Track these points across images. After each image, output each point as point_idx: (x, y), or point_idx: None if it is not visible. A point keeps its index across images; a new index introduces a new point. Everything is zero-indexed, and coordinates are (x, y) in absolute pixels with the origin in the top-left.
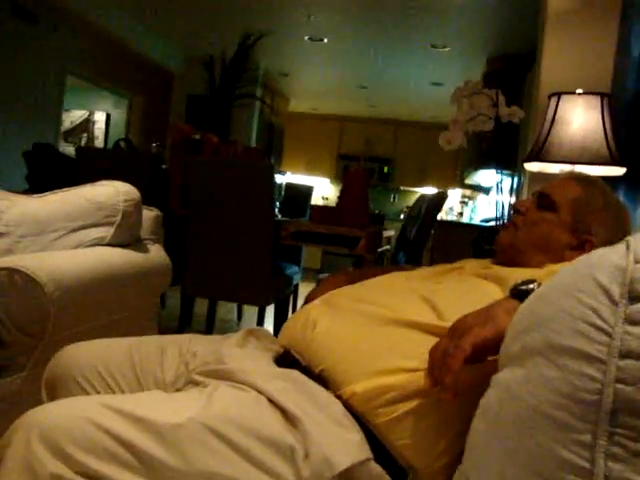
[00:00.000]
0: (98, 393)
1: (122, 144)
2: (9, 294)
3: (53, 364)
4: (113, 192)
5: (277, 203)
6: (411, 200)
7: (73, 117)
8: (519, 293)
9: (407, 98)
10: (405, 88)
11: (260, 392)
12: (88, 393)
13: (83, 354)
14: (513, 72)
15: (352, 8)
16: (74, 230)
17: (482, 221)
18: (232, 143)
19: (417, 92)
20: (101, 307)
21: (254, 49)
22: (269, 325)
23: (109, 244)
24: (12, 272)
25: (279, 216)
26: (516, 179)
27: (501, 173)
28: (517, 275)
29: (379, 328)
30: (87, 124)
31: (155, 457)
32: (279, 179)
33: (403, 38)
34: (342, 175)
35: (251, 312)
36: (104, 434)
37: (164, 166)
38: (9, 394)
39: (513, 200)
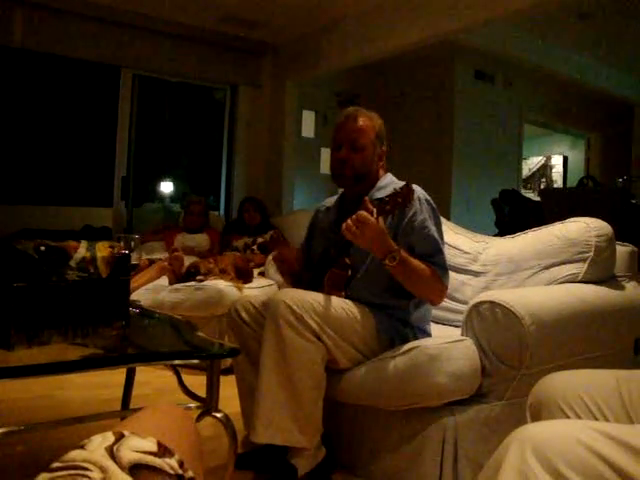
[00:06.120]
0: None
1: (585, 182)
2: (491, 326)
3: (537, 390)
4: (584, 228)
5: None
6: None
7: (530, 164)
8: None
9: None
10: None
11: None
12: (570, 419)
13: (566, 381)
14: None
15: None
16: (546, 267)
17: None
18: None
19: None
20: (576, 343)
21: None
22: None
23: (582, 281)
24: (493, 305)
25: None
26: None
27: None
28: None
29: None
30: (544, 169)
31: None
32: None
33: None
34: None
35: None
36: (596, 458)
37: (633, 200)
38: (489, 419)
39: None
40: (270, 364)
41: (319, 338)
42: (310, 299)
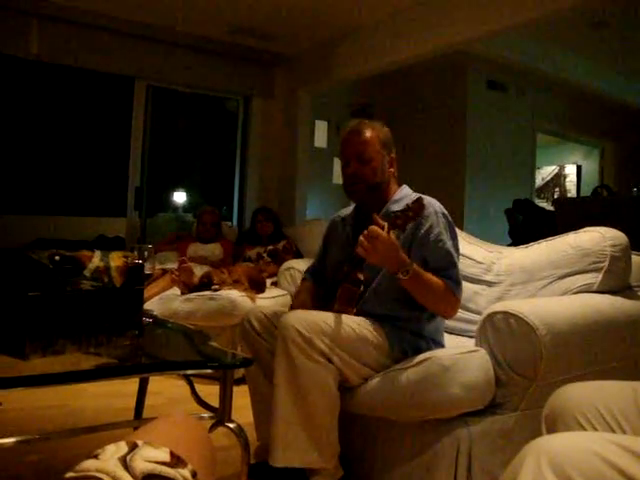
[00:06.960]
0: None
1: (599, 191)
2: (505, 336)
3: (552, 401)
4: (599, 238)
5: None
6: None
7: (544, 173)
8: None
9: None
10: None
11: None
12: (586, 431)
13: (582, 393)
14: None
15: None
16: (560, 277)
17: None
18: None
19: None
20: (591, 354)
21: None
22: None
23: (597, 291)
24: (507, 316)
25: None
26: None
27: None
28: None
29: None
30: (558, 179)
31: None
32: None
33: None
34: None
35: None
36: (614, 471)
37: None
38: (504, 429)
39: None
40: (283, 387)
41: (329, 360)
42: (319, 320)
